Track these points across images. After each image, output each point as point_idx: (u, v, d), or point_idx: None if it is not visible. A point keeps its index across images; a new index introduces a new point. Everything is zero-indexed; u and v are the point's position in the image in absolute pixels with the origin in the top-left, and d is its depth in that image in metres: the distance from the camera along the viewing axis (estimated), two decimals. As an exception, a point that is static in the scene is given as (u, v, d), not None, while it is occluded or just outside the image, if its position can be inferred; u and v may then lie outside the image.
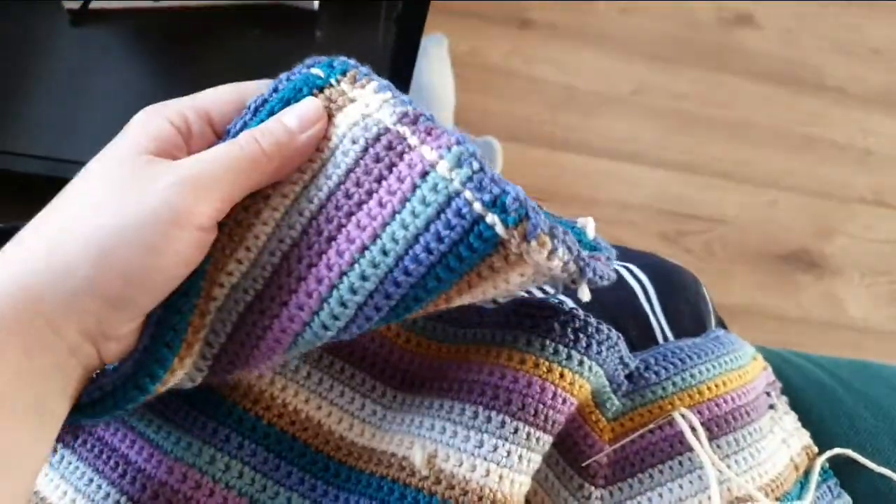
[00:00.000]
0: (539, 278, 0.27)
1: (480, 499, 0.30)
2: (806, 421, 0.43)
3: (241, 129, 0.28)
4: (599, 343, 0.34)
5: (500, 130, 1.13)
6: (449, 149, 0.25)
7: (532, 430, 0.32)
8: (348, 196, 0.26)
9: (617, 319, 0.38)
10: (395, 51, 0.75)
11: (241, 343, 0.28)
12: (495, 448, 0.31)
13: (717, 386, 0.39)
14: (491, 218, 0.24)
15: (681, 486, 0.36)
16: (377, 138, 0.26)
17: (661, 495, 0.36)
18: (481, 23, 1.23)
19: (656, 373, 0.38)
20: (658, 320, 0.42)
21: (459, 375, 0.34)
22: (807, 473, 0.41)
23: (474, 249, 0.25)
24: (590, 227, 0.32)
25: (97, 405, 0.27)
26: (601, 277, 0.28)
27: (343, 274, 0.26)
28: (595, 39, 1.25)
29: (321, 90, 0.28)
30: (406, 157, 0.26)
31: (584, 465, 0.36)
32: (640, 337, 0.41)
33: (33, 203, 0.27)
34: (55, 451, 0.33)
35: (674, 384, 0.38)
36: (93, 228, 0.24)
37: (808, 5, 1.34)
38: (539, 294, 0.42)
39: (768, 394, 0.43)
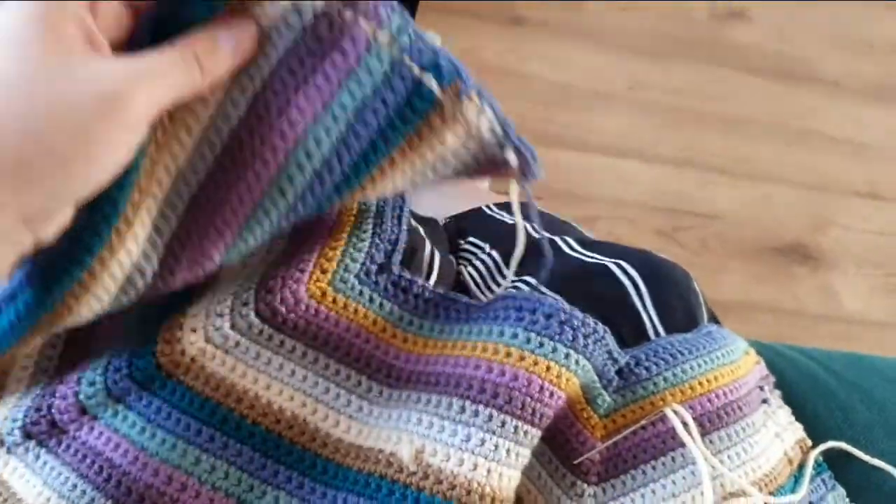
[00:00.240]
0: (471, 143, 0.29)
1: (469, 493, 0.30)
2: (800, 414, 0.43)
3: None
4: (585, 336, 0.34)
5: (494, 128, 1.12)
6: (389, 19, 0.27)
7: (520, 424, 0.32)
8: (292, 73, 0.27)
9: (608, 316, 0.38)
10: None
11: (194, 221, 0.29)
12: (483, 442, 0.31)
13: (708, 381, 0.38)
14: (428, 79, 0.27)
15: (673, 482, 0.36)
16: (314, 19, 0.27)
17: (653, 491, 0.36)
18: (474, 21, 1.22)
19: (647, 368, 0.38)
20: (649, 316, 0.42)
21: (446, 370, 0.33)
22: (801, 467, 0.41)
23: (415, 109, 0.27)
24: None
25: (34, 280, 0.27)
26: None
27: (297, 141, 0.27)
28: (588, 36, 1.25)
29: None
30: (347, 32, 0.27)
31: (576, 462, 0.36)
32: (631, 333, 0.41)
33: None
34: (37, 455, 0.32)
35: (665, 380, 0.38)
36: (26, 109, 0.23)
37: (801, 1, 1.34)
38: (526, 288, 0.41)
39: (761, 388, 0.43)
